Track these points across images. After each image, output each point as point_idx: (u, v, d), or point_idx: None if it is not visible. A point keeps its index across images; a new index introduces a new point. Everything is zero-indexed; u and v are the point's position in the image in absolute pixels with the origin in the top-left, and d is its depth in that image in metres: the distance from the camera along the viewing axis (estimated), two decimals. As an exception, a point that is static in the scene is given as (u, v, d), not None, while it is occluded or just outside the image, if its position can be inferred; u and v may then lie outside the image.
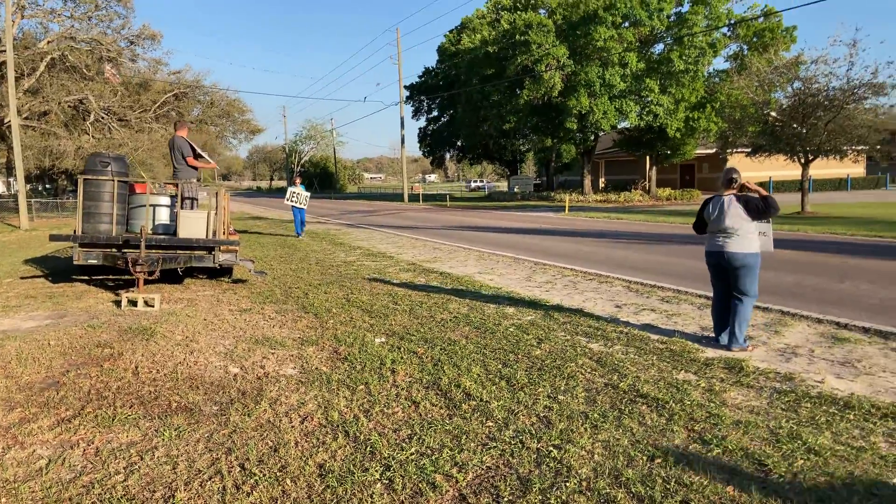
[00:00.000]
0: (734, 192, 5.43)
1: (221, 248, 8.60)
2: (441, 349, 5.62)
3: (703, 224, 5.66)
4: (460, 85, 43.60)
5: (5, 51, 24.79)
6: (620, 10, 30.79)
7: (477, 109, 40.34)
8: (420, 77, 57.78)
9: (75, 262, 7.79)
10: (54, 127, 26.38)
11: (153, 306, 7.20)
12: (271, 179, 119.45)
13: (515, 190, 47.25)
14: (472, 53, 38.10)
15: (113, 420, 3.91)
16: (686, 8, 33.00)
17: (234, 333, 6.28)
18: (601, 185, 49.42)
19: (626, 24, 32.42)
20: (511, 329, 6.26)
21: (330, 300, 7.99)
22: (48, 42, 26.45)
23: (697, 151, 37.93)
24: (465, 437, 3.76)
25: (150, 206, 9.00)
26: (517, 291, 8.28)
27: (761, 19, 32.14)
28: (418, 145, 61.58)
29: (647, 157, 38.81)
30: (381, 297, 8.14)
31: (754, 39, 32.73)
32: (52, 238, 7.91)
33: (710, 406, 4.11)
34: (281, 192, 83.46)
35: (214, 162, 14.51)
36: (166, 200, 9.25)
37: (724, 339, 5.51)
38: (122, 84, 29.33)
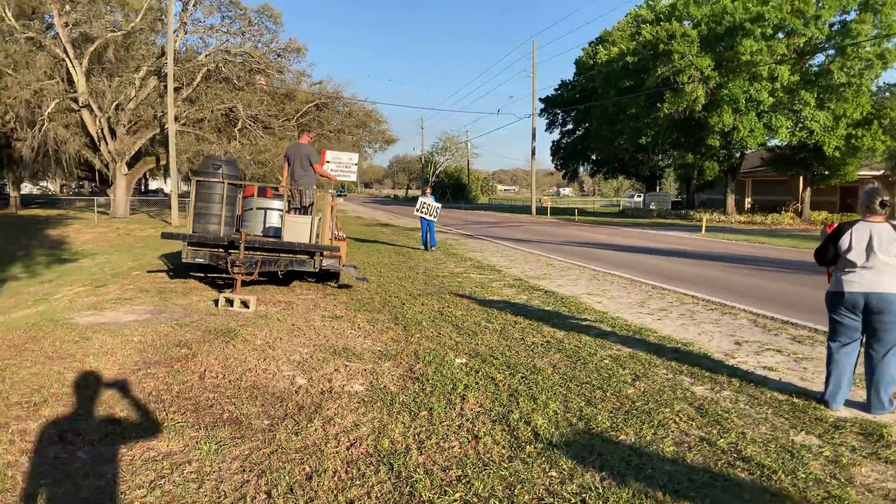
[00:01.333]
0: (882, 218, 4.41)
1: (324, 252, 8.62)
2: (522, 377, 5.12)
3: (832, 256, 4.60)
4: (596, 98, 42.36)
5: (173, 63, 27.29)
6: (771, 21, 28.34)
7: (612, 123, 38.96)
8: (556, 90, 56.96)
9: (183, 260, 8.10)
10: (207, 133, 28.61)
11: (248, 307, 7.28)
12: (408, 188, 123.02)
13: (651, 207, 45.05)
14: (610, 65, 36.86)
15: (160, 427, 3.81)
16: (852, 16, 29.77)
17: (317, 341, 6.14)
18: (747, 205, 45.87)
19: (780, 34, 29.82)
20: (606, 361, 5.62)
21: (423, 312, 7.71)
22: (206, 55, 28.75)
23: (861, 173, 34.04)
24: (519, 486, 3.27)
25: (262, 208, 9.23)
26: (624, 318, 7.55)
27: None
28: (550, 158, 60.64)
29: (801, 178, 35.44)
30: (476, 312, 7.74)
31: (935, 49, 28.88)
32: (164, 236, 8.28)
33: (832, 483, 3.30)
34: (415, 201, 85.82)
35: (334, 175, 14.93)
36: (279, 204, 9.43)
37: (837, 403, 4.49)
38: (268, 94, 31.27)
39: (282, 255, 8.31)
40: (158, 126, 27.99)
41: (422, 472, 3.42)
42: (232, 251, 8.01)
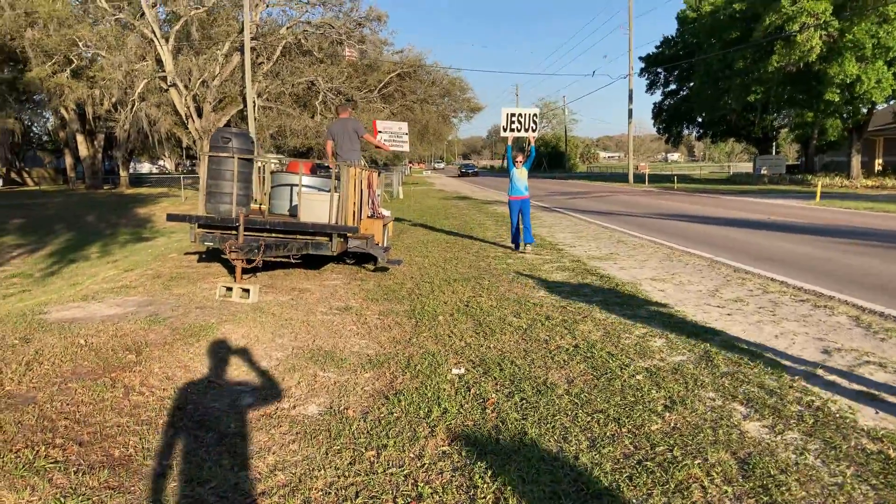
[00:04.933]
0: None
1: (351, 234, 7.77)
2: (520, 400, 4.03)
3: None
4: (700, 53, 38.91)
5: (254, 38, 27.34)
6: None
7: (717, 80, 35.68)
8: (657, 47, 53.03)
9: (192, 243, 7.50)
10: (287, 107, 28.58)
11: (248, 298, 6.56)
12: (502, 159, 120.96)
13: (763, 172, 41.11)
14: (715, 15, 33.54)
15: (21, 468, 3.06)
16: None
17: (301, 341, 5.30)
18: (877, 167, 40.99)
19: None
20: (639, 377, 4.40)
21: (448, 303, 6.70)
22: (287, 28, 28.57)
23: None
24: None
25: (286, 185, 8.50)
26: (686, 312, 6.20)
27: None
28: (652, 122, 57.03)
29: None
30: (508, 304, 6.64)
31: None
32: (170, 218, 7.71)
33: None
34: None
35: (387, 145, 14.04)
36: (308, 181, 8.62)
37: None
38: (351, 65, 30.79)
39: (297, 237, 7.53)
40: (242, 102, 28.21)
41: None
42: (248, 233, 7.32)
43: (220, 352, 4.86)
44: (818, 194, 22.30)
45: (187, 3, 26.93)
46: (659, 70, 52.27)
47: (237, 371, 4.51)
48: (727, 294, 6.97)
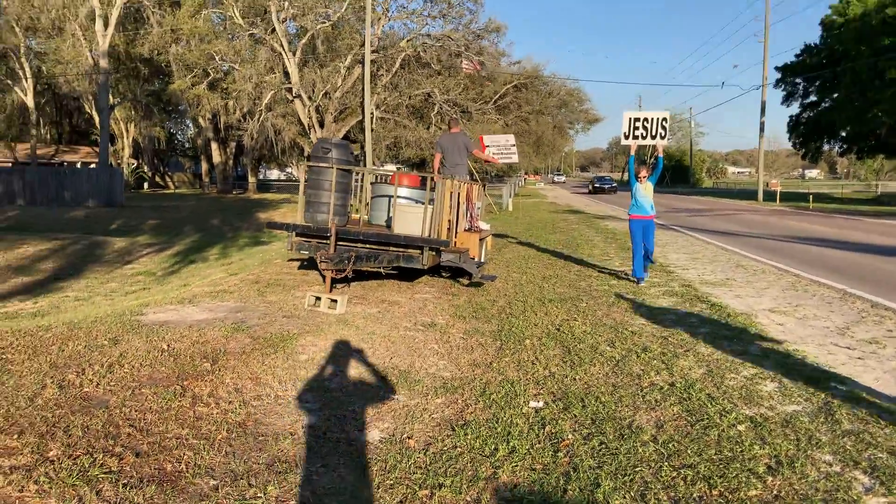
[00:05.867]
0: None
1: (444, 248, 7.60)
2: (599, 444, 3.62)
3: None
4: (846, 61, 35.70)
5: (375, 51, 28.17)
6: None
7: (865, 91, 32.57)
8: (797, 55, 49.23)
9: (287, 251, 7.61)
10: (404, 119, 29.14)
11: (335, 309, 6.52)
12: (622, 171, 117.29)
13: (915, 192, 37.06)
14: (864, 19, 30.65)
15: (75, 476, 3.07)
16: None
17: (378, 359, 5.15)
18: None
19: None
20: (742, 427, 3.85)
21: (538, 325, 6.34)
22: (407, 41, 29.17)
23: None
24: None
25: (383, 196, 8.47)
26: (806, 352, 5.46)
27: None
28: (788, 136, 52.98)
29: None
30: (604, 330, 6.17)
31: None
32: (269, 226, 7.86)
33: None
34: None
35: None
36: (406, 192, 8.56)
37: None
38: (467, 77, 30.96)
39: (389, 248, 7.44)
40: (361, 113, 29.10)
41: None
42: (343, 243, 7.33)
43: (294, 365, 4.79)
44: (984, 220, 19.65)
45: (314, 18, 28.17)
46: (797, 80, 48.54)
47: (305, 387, 4.41)
48: (860, 333, 6.10)
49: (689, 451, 3.53)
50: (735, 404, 4.22)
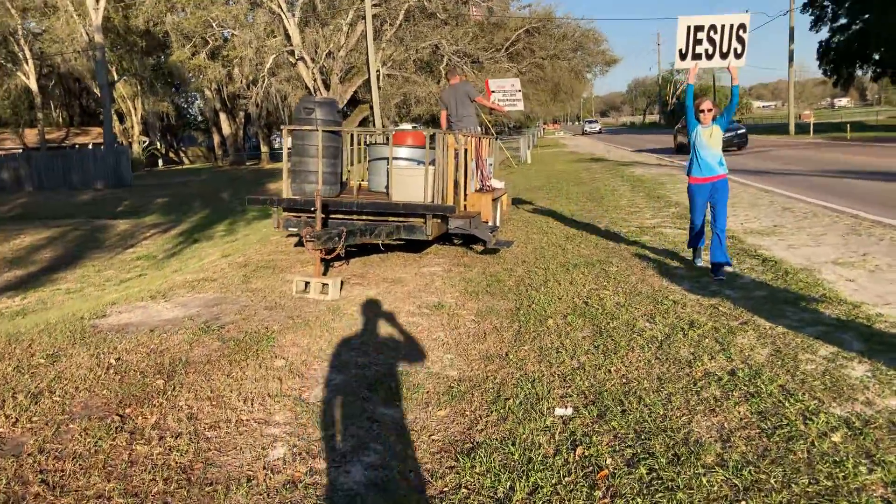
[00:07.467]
0: None
1: (450, 214, 6.67)
2: (647, 472, 2.74)
3: None
4: (881, -23, 33.18)
5: (376, 4, 26.74)
6: None
7: (903, 7, 30.26)
8: (826, -24, 46.32)
9: (275, 229, 6.74)
10: (411, 74, 27.80)
11: (327, 294, 5.66)
12: (644, 114, 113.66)
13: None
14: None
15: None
16: None
17: (372, 357, 4.29)
18: None
19: None
20: (836, 438, 2.92)
21: (563, 299, 5.43)
22: (411, -10, 27.64)
23: None
24: None
25: (379, 159, 7.53)
26: (893, 316, 4.47)
27: None
28: (817, 63, 50.25)
29: None
30: (640, 300, 5.24)
31: None
32: (250, 202, 6.97)
33: None
34: (652, 128, 78.29)
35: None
36: (406, 152, 7.55)
37: None
38: (476, 25, 29.38)
39: (388, 219, 6.53)
40: (368, 71, 27.85)
41: None
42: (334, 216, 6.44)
43: (265, 375, 3.95)
44: None
45: (310, -26, 26.76)
46: (826, 3, 45.74)
47: (274, 407, 3.57)
48: (952, 287, 5.08)
49: (772, 479, 2.63)
50: (820, 400, 3.29)
